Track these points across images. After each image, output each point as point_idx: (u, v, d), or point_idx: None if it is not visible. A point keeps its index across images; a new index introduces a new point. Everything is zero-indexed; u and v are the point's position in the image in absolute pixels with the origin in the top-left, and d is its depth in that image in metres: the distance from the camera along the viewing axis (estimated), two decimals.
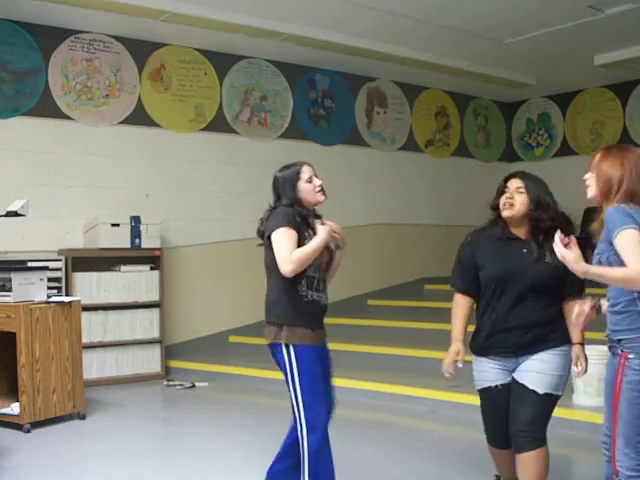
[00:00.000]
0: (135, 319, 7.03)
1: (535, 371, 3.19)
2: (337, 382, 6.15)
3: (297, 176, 3.43)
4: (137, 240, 6.94)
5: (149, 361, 7.10)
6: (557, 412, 4.65)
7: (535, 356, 3.21)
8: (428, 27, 7.34)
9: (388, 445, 4.76)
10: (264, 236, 3.34)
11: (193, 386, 6.74)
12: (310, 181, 3.42)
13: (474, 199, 9.70)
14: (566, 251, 2.61)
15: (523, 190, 3.26)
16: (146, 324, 7.08)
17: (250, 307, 7.31)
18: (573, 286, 3.18)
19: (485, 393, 3.37)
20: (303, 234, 3.27)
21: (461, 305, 3.42)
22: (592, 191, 2.81)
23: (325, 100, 8.86)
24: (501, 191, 3.32)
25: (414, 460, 4.44)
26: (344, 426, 5.29)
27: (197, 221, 7.77)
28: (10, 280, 5.18)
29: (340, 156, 8.91)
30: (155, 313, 7.13)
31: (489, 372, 3.31)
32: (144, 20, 6.79)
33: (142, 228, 6.96)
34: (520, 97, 10.48)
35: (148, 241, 6.99)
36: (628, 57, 8.19)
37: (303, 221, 3.31)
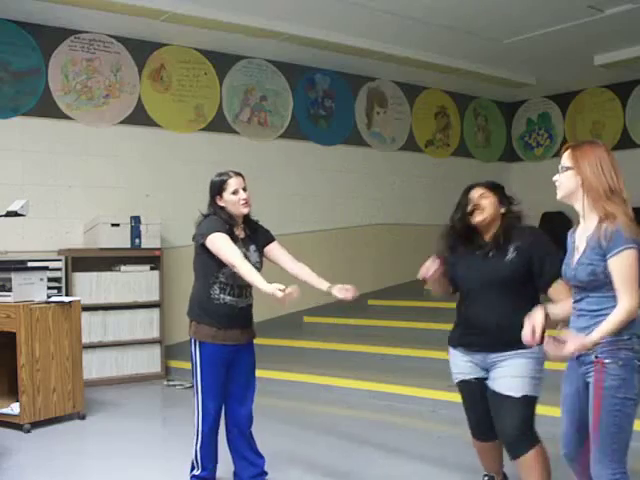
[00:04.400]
0: (135, 319, 7.03)
1: (509, 376, 3.17)
2: (337, 382, 6.23)
3: (222, 186, 3.64)
4: (137, 240, 6.94)
5: (149, 361, 7.10)
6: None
7: (506, 362, 3.19)
8: (428, 27, 7.34)
9: (388, 445, 4.76)
10: (195, 240, 3.64)
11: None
12: (235, 193, 3.61)
13: None
14: (565, 348, 2.52)
15: (488, 194, 3.30)
16: (146, 324, 7.08)
17: None
18: (545, 277, 3.17)
19: (462, 386, 3.39)
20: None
21: None
22: (562, 192, 2.74)
23: (325, 100, 8.86)
24: (464, 205, 3.33)
25: (414, 460, 4.44)
26: (344, 426, 5.30)
27: None
28: (10, 280, 5.18)
29: (340, 156, 8.92)
30: (155, 313, 7.13)
31: (463, 365, 3.35)
32: (144, 20, 6.79)
33: (142, 228, 6.96)
34: (520, 97, 10.48)
35: (148, 241, 6.99)
36: (628, 57, 8.19)
37: (227, 230, 3.55)
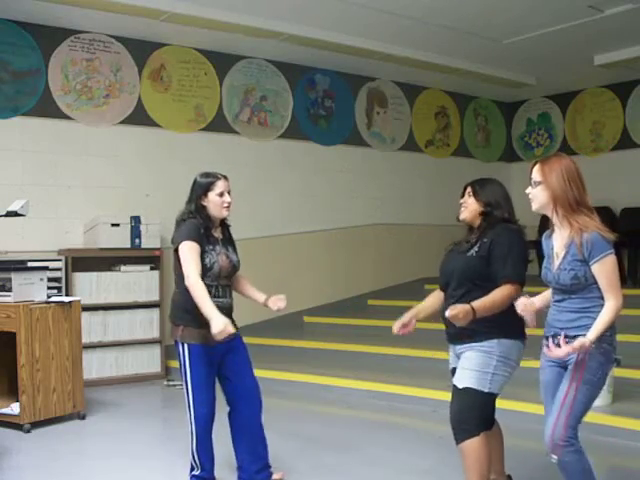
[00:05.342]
0: (135, 319, 7.03)
1: (460, 367, 3.37)
2: (337, 382, 6.23)
3: (210, 187, 3.73)
4: (137, 240, 6.94)
5: (149, 361, 7.10)
6: None
7: (464, 354, 3.37)
8: (428, 27, 7.34)
9: (388, 445, 4.76)
10: (174, 244, 3.77)
11: None
12: (221, 195, 3.72)
13: None
14: (564, 351, 2.85)
15: (472, 194, 3.47)
16: (146, 324, 7.08)
17: (250, 307, 7.28)
18: (502, 273, 3.27)
19: (450, 373, 3.56)
20: (204, 247, 3.66)
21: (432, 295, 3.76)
22: (536, 205, 2.99)
23: (325, 100, 8.86)
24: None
25: (414, 460, 4.44)
26: (344, 426, 5.30)
27: None
28: (10, 280, 5.18)
29: (340, 156, 8.92)
30: (155, 313, 7.13)
31: (450, 355, 3.57)
32: (144, 20, 6.80)
33: (142, 228, 6.96)
34: (520, 97, 10.48)
35: (148, 241, 6.99)
36: (628, 57, 8.19)
37: (205, 233, 3.69)
